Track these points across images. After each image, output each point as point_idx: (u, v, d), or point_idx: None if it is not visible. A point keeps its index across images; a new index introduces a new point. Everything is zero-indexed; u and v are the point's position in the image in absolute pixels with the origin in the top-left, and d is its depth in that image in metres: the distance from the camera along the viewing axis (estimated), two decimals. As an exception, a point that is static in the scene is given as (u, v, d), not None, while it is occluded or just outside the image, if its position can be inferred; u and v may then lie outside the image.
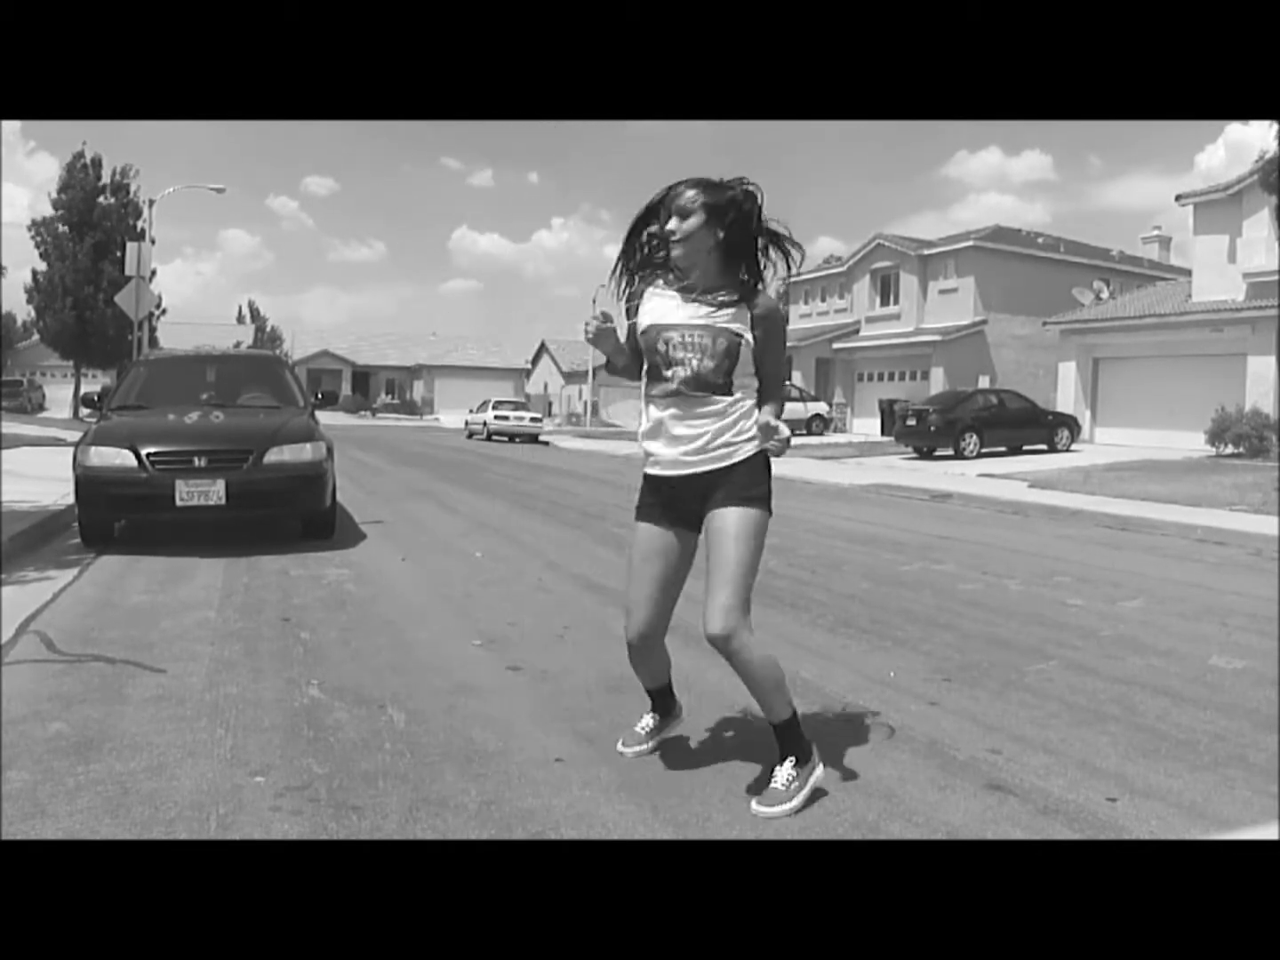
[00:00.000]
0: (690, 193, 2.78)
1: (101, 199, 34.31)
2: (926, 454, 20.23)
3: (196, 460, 6.99)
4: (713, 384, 2.80)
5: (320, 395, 9.74)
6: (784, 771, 2.81)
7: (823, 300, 36.88)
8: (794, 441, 2.98)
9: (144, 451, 6.97)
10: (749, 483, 2.83)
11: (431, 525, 9.11)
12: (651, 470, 2.93)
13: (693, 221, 2.77)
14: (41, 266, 34.42)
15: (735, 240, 2.81)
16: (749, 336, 2.83)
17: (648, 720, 3.25)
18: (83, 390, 22.43)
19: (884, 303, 33.52)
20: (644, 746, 3.19)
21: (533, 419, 31.54)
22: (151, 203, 27.24)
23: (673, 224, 2.78)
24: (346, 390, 53.20)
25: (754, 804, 2.77)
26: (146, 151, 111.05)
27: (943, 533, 9.30)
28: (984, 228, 32.46)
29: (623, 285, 2.98)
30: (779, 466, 2.93)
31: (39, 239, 34.31)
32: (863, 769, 3.08)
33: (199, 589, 5.79)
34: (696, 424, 2.81)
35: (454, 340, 61.21)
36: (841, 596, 5.81)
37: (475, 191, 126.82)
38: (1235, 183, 20.76)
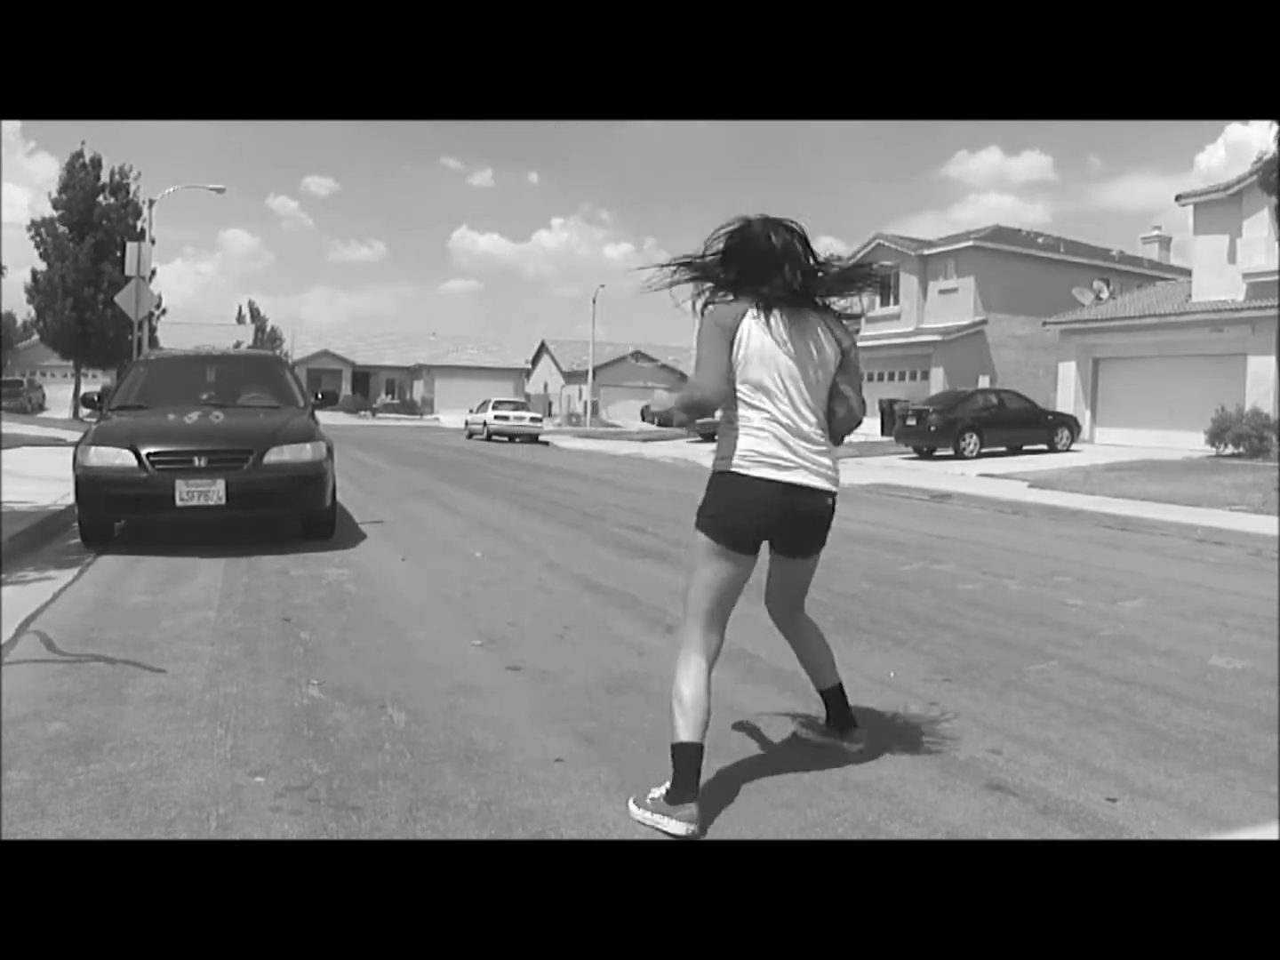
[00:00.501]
0: None
1: (101, 199, 34.25)
2: (926, 454, 20.23)
3: (196, 460, 6.99)
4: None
5: (320, 395, 9.74)
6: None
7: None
8: None
9: (144, 451, 6.96)
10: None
11: (431, 525, 9.11)
12: None
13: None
14: (41, 266, 34.38)
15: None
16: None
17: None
18: (83, 390, 22.37)
19: (884, 302, 33.51)
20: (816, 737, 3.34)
21: (533, 419, 31.55)
22: (151, 203, 27.27)
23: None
24: (346, 390, 53.17)
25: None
26: (146, 151, 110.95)
27: (943, 533, 9.30)
28: (984, 228, 32.44)
29: (708, 290, 2.90)
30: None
31: (39, 239, 34.26)
32: (863, 769, 3.08)
33: (199, 589, 5.80)
34: None
35: (454, 340, 61.20)
36: (841, 596, 5.81)
37: (475, 191, 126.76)
38: (1235, 183, 20.75)
